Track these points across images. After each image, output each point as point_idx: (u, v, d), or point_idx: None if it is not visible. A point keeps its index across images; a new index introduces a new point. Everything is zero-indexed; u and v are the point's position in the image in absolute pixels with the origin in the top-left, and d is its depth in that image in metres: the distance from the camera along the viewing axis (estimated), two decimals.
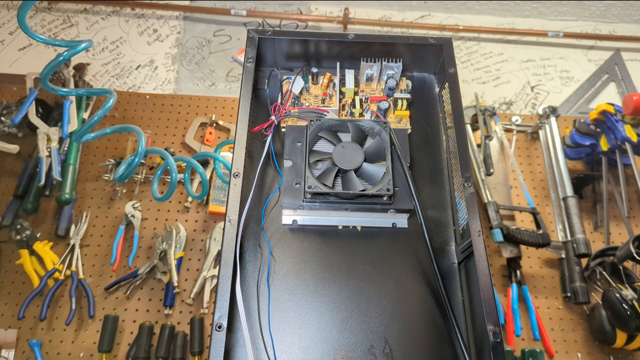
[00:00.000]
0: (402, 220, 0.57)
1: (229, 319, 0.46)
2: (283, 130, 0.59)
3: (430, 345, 0.51)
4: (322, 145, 0.57)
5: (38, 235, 0.89)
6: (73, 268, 0.86)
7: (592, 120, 0.97)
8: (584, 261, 0.90)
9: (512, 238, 0.88)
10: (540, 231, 0.90)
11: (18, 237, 0.86)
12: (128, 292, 0.85)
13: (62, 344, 0.81)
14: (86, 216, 0.91)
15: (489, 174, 0.96)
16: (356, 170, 0.54)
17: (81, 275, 0.85)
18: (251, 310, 0.50)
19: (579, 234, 0.90)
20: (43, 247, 0.86)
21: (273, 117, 0.59)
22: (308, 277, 0.53)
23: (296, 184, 0.54)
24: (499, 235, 0.87)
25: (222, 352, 0.43)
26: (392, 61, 0.62)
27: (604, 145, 0.95)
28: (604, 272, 0.87)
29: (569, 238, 0.91)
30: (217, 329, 0.44)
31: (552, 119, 1.04)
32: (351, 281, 0.53)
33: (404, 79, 0.65)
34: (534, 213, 0.93)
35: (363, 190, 0.53)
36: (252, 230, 0.55)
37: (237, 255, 0.48)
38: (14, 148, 0.94)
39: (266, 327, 0.50)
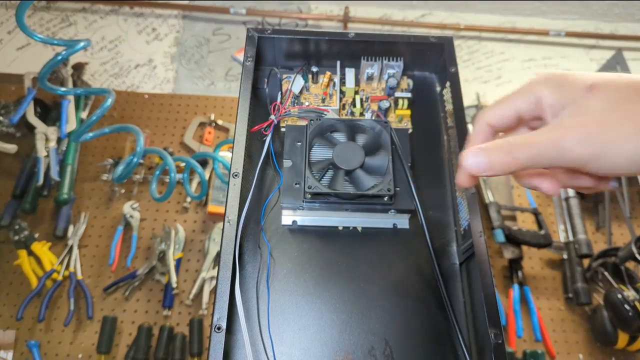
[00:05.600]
0: (403, 221, 0.56)
1: (228, 320, 0.45)
2: (283, 129, 0.58)
3: (431, 346, 0.50)
4: (321, 146, 0.56)
5: (36, 235, 0.88)
6: (71, 269, 0.85)
7: None
8: (586, 262, 0.90)
9: (513, 239, 0.88)
10: (542, 232, 0.89)
11: (16, 237, 0.86)
12: (127, 293, 0.84)
13: (61, 345, 0.80)
14: (84, 216, 0.91)
15: None
16: (351, 172, 0.53)
17: (79, 276, 0.85)
18: (250, 312, 0.50)
19: (580, 234, 0.90)
20: (41, 248, 0.86)
21: (273, 117, 0.58)
22: (308, 278, 0.52)
23: (296, 184, 0.53)
24: (500, 236, 0.87)
25: (221, 354, 0.43)
26: (392, 60, 0.61)
27: None
28: (605, 273, 0.87)
29: (571, 239, 0.91)
30: (216, 330, 0.44)
31: None
32: (351, 282, 0.52)
33: (405, 78, 0.64)
34: (536, 213, 0.92)
35: (367, 189, 0.52)
36: (251, 231, 0.54)
37: (236, 256, 0.48)
38: (12, 148, 0.93)
39: (266, 329, 0.49)
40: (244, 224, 0.50)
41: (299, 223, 0.55)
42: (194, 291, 0.84)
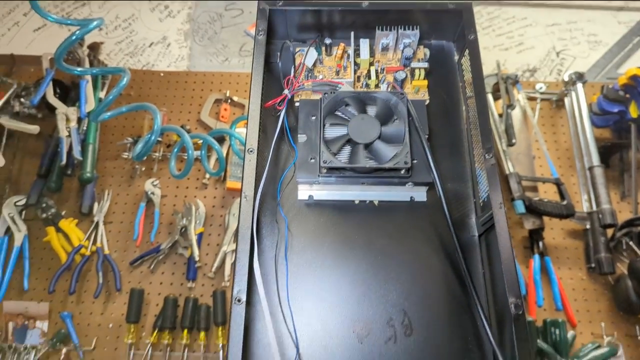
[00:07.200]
0: (420, 194, 0.56)
1: (248, 292, 0.46)
2: (297, 104, 0.58)
3: (450, 316, 0.50)
4: (335, 125, 0.56)
5: (63, 213, 0.91)
6: (98, 244, 0.88)
7: (621, 86, 0.92)
8: (610, 232, 0.88)
9: (534, 209, 0.87)
10: (565, 202, 0.87)
11: (44, 215, 0.89)
12: (152, 266, 0.87)
13: (92, 315, 0.84)
14: (108, 194, 0.93)
15: (510, 145, 0.93)
16: (369, 145, 0.53)
17: (106, 251, 0.88)
18: (270, 284, 0.51)
19: (605, 204, 0.88)
20: (68, 225, 0.89)
21: (286, 91, 0.58)
22: (326, 252, 0.53)
23: (311, 159, 0.53)
24: (520, 207, 0.85)
25: (242, 325, 0.44)
26: (408, 29, 0.59)
27: (633, 111, 0.91)
28: (630, 243, 0.85)
29: (595, 208, 0.89)
30: (237, 302, 0.45)
31: (579, 85, 1.00)
32: (369, 255, 0.53)
33: (422, 47, 0.62)
34: (558, 184, 0.90)
35: (388, 160, 0.52)
36: (268, 206, 0.55)
37: (253, 230, 0.48)
38: (34, 129, 0.95)
39: (285, 300, 0.50)
40: (261, 199, 0.51)
41: (315, 198, 0.55)
42: (216, 264, 0.86)
